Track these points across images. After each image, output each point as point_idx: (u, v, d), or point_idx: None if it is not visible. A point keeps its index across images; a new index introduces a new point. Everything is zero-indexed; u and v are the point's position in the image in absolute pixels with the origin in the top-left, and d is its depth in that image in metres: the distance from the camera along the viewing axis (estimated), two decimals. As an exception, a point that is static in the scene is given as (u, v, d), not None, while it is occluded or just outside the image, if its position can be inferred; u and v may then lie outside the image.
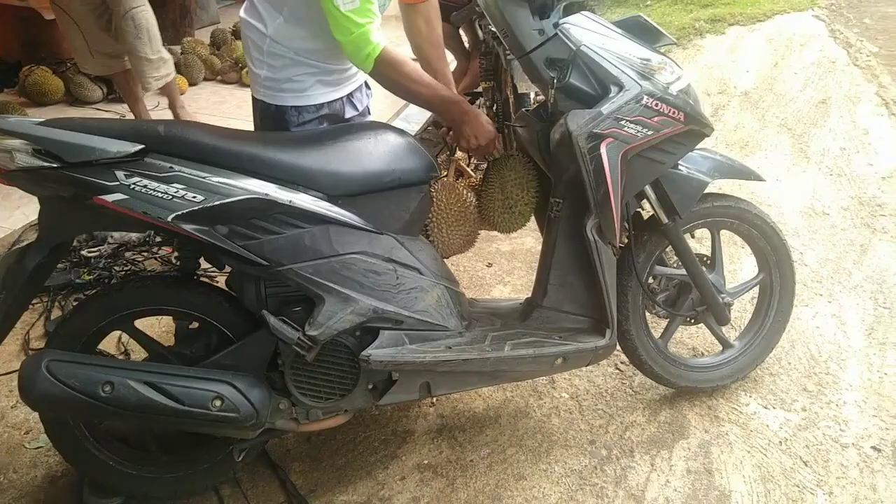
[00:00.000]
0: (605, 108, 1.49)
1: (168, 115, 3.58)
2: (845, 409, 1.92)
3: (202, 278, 1.78)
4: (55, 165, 1.31)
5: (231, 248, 1.40)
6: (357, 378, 1.57)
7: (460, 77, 3.80)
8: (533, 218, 1.81)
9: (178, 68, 4.50)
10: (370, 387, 1.60)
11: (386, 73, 1.54)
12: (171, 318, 1.85)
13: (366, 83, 1.91)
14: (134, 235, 2.79)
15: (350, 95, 1.83)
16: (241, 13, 1.74)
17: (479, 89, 3.34)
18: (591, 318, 1.73)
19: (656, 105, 1.52)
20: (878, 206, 2.84)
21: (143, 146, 1.34)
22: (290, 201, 1.41)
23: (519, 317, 1.79)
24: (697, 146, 1.72)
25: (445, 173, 1.77)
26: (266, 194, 1.40)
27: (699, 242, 2.12)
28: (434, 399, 2.01)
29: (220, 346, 1.58)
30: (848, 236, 2.68)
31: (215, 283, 2.15)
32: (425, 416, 1.98)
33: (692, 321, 1.95)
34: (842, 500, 1.67)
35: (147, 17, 3.14)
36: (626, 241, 1.75)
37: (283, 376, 1.55)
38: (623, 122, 1.50)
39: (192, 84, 4.51)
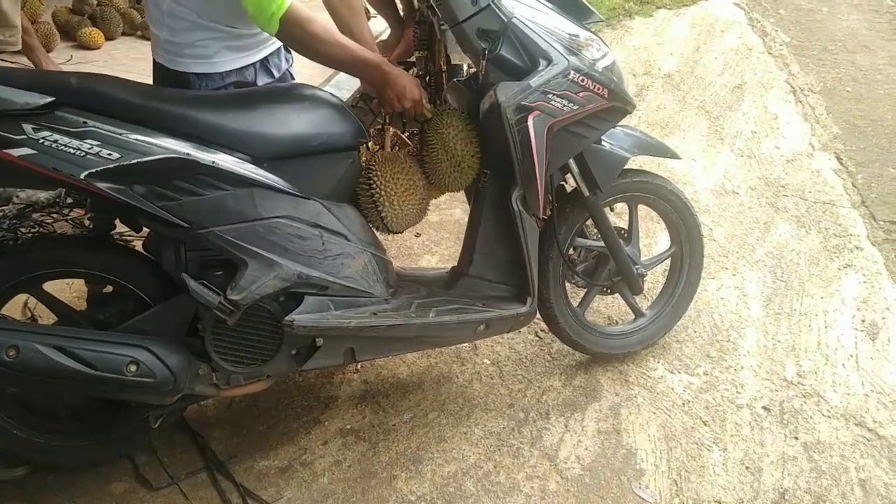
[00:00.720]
0: (534, 81, 1.51)
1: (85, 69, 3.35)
2: (742, 374, 2.07)
3: (117, 240, 1.70)
4: (-51, 116, 1.22)
5: (149, 209, 1.35)
6: (280, 343, 1.55)
7: (393, 46, 3.73)
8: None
9: (94, 21, 4.21)
10: (294, 352, 1.59)
11: (293, 33, 1.42)
12: (83, 282, 1.78)
13: (285, 46, 1.77)
14: (43, 195, 2.61)
15: (265, 60, 1.69)
16: None
17: (412, 59, 3.30)
18: (513, 287, 1.78)
19: (582, 80, 1.55)
20: (781, 187, 3.04)
21: (53, 98, 1.26)
22: (213, 162, 1.37)
23: (445, 285, 1.81)
24: (620, 123, 1.78)
25: (379, 147, 1.73)
26: (188, 154, 1.34)
27: (617, 217, 2.21)
28: (359, 366, 2.02)
29: (137, 310, 1.53)
30: (753, 214, 2.86)
31: (131, 246, 2.06)
32: (349, 382, 1.99)
33: (609, 291, 2.04)
34: (734, 455, 1.81)
35: None
36: (549, 212, 1.80)
37: (202, 341, 1.52)
38: (550, 96, 1.53)
39: (108, 38, 4.21)
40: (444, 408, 1.91)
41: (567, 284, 1.95)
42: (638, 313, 2.08)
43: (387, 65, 1.54)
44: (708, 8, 4.93)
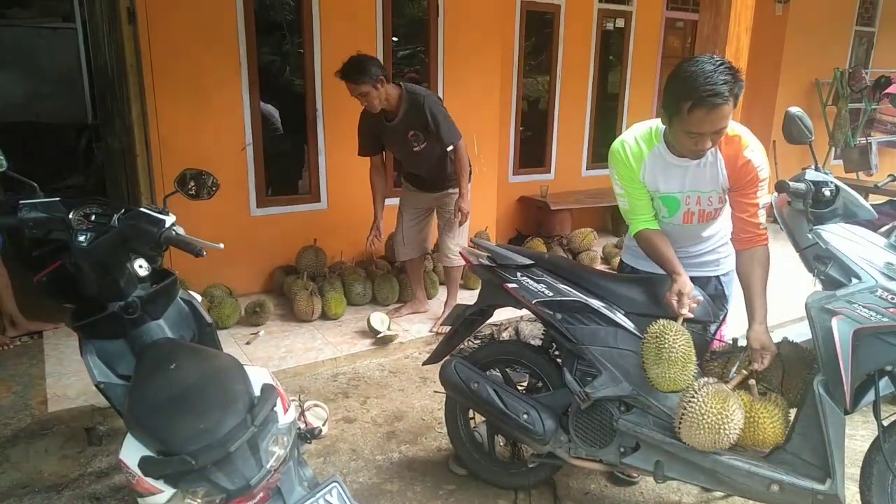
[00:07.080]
0: (840, 291, 1.81)
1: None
2: None
3: (550, 353, 2.64)
4: (494, 265, 2.45)
5: (559, 327, 2.26)
6: (613, 437, 2.16)
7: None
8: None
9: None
10: (621, 449, 2.16)
11: (640, 245, 2.23)
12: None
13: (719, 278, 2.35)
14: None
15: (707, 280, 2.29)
16: None
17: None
18: (821, 469, 1.89)
19: (892, 298, 1.75)
20: None
21: (533, 262, 2.37)
22: (599, 308, 2.20)
23: (765, 455, 2.05)
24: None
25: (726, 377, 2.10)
26: (586, 300, 2.23)
27: None
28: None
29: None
30: None
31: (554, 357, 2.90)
32: (676, 515, 2.32)
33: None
34: None
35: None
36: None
37: (569, 419, 2.27)
38: (856, 305, 1.78)
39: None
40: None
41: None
42: None
43: (677, 274, 2.08)
44: None
